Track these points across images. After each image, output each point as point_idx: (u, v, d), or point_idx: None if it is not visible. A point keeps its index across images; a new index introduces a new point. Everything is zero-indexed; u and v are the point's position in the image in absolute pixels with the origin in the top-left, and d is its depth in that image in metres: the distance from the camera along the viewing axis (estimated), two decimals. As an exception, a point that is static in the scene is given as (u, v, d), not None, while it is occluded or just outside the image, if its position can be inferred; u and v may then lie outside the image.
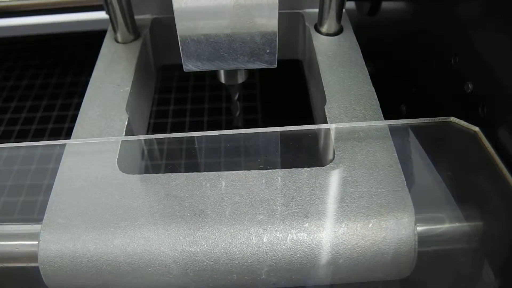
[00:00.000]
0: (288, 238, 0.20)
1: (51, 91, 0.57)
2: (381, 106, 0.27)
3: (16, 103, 0.56)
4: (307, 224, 0.21)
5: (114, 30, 0.34)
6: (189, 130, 0.43)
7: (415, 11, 0.35)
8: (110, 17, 0.34)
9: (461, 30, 0.27)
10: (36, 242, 0.21)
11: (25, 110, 0.55)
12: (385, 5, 0.42)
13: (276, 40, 0.26)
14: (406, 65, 0.37)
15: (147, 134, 0.33)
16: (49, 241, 0.21)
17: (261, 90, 0.46)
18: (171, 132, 0.43)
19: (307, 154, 0.25)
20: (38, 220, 0.22)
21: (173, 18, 0.25)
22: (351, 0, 0.45)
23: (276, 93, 0.44)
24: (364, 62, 0.31)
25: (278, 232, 0.21)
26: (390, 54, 0.41)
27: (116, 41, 0.34)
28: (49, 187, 0.23)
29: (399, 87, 0.38)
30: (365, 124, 0.25)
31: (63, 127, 0.54)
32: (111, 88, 0.29)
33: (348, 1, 0.42)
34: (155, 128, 0.41)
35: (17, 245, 0.22)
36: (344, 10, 0.34)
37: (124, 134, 0.26)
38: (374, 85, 0.29)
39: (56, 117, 0.54)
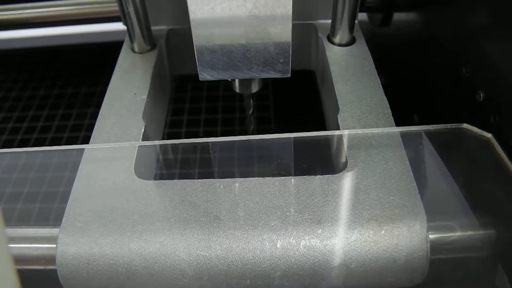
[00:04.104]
0: (301, 244, 0.21)
1: (66, 101, 0.59)
2: (393, 116, 0.28)
3: (34, 112, 0.57)
4: (320, 230, 0.21)
5: (131, 41, 0.35)
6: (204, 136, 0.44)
7: (426, 21, 0.35)
8: (128, 28, 0.34)
9: (471, 39, 0.27)
10: (54, 245, 0.22)
11: (42, 119, 0.56)
12: (396, 16, 0.42)
13: (290, 50, 0.26)
14: (418, 75, 0.37)
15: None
16: (67, 244, 0.21)
17: (275, 100, 0.46)
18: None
19: (320, 161, 0.25)
20: (56, 223, 0.23)
21: (188, 29, 0.25)
22: (363, 12, 0.46)
23: (290, 103, 0.44)
24: (376, 72, 0.31)
25: (291, 238, 0.21)
26: (403, 64, 0.41)
27: (133, 51, 0.35)
28: (66, 192, 0.24)
29: (411, 97, 0.39)
30: (377, 130, 0.25)
31: (78, 136, 0.55)
32: (128, 97, 0.30)
33: (360, 12, 0.42)
34: (169, 137, 0.42)
35: (36, 248, 0.23)
36: (356, 21, 0.35)
37: (141, 137, 0.26)
38: (386, 95, 0.30)
39: (72, 126, 0.56)
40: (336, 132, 0.26)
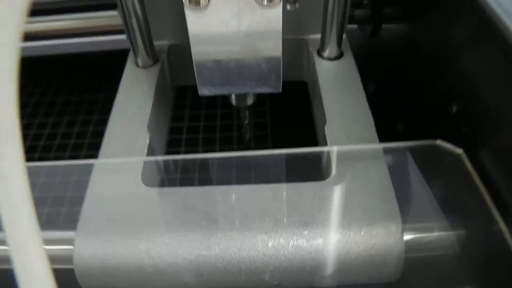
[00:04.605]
0: (290, 244, 0.23)
1: (72, 108, 0.61)
2: (380, 123, 0.30)
3: (40, 119, 0.60)
4: (306, 232, 0.24)
5: (135, 55, 0.37)
6: (203, 146, 0.46)
7: (409, 34, 0.38)
8: (131, 43, 0.37)
9: (447, 55, 0.30)
10: (71, 247, 0.24)
11: (48, 126, 0.59)
12: (385, 27, 0.45)
13: (280, 67, 0.29)
14: (403, 84, 0.40)
15: (165, 149, 0.36)
16: (83, 245, 0.24)
17: (271, 108, 0.49)
18: (185, 147, 0.46)
19: (308, 169, 0.28)
20: (71, 227, 0.25)
21: (187, 44, 0.28)
22: (354, 24, 0.48)
23: (285, 110, 0.47)
24: (361, 85, 0.34)
25: (281, 239, 0.24)
26: (391, 72, 0.44)
27: (137, 65, 0.37)
28: (76, 199, 0.26)
29: (397, 106, 0.41)
30: (360, 147, 0.28)
31: (84, 142, 0.57)
32: (133, 110, 0.32)
33: (351, 24, 0.45)
34: (171, 144, 0.44)
35: (54, 250, 0.25)
36: (344, 35, 0.38)
37: (146, 151, 0.29)
38: (374, 102, 0.32)
39: (77, 133, 0.58)
40: (324, 148, 0.28)
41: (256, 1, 0.23)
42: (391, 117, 0.41)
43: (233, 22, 0.26)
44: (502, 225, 0.22)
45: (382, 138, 0.30)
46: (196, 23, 0.27)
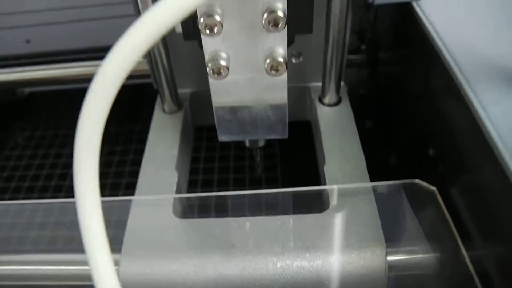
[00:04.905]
0: (295, 265, 0.29)
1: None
2: (376, 157, 0.36)
3: (57, 150, 0.66)
4: (307, 254, 0.29)
5: (162, 102, 0.43)
6: (217, 186, 0.52)
7: (400, 79, 0.44)
8: (159, 92, 0.43)
9: (426, 102, 0.36)
10: (117, 267, 0.30)
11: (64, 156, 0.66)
12: (380, 70, 0.51)
13: (286, 119, 0.35)
14: (396, 124, 0.46)
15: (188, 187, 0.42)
16: (127, 266, 0.30)
17: (281, 146, 0.55)
18: (202, 187, 0.52)
19: (309, 203, 0.34)
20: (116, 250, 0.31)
21: (207, 92, 0.33)
22: (353, 67, 0.54)
23: (293, 146, 0.53)
24: (356, 129, 0.39)
25: (287, 260, 0.29)
26: (385, 112, 0.50)
27: (164, 111, 0.43)
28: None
29: (390, 142, 0.47)
30: (353, 185, 0.34)
31: (109, 171, 0.63)
32: (162, 151, 0.39)
33: (350, 67, 0.51)
34: (191, 182, 0.50)
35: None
36: (342, 83, 0.43)
37: (175, 188, 0.35)
38: (373, 139, 0.38)
39: (103, 162, 0.64)
40: (323, 187, 0.34)
41: (266, 71, 0.30)
42: (386, 152, 0.47)
43: (248, 85, 0.32)
44: (463, 251, 0.28)
45: (376, 170, 0.36)
46: (218, 86, 0.33)
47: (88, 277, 0.20)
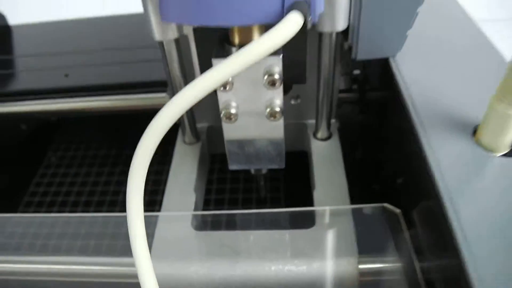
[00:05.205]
0: (285, 268, 0.37)
1: (125, 159, 0.77)
2: (361, 183, 0.44)
3: (86, 169, 0.75)
4: (296, 261, 0.38)
5: (183, 134, 0.52)
6: (228, 204, 0.61)
7: (382, 121, 0.52)
8: (180, 125, 0.52)
9: (396, 143, 0.44)
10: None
11: (104, 174, 0.74)
12: (369, 107, 0.59)
13: (283, 153, 0.43)
14: (380, 155, 0.54)
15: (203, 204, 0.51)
16: (155, 267, 0.38)
17: (285, 171, 0.64)
18: (215, 205, 0.61)
19: (300, 222, 0.42)
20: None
21: (220, 126, 0.41)
22: (347, 104, 0.63)
23: (295, 172, 0.61)
24: (342, 161, 0.48)
25: (280, 265, 0.38)
26: (372, 145, 0.58)
27: (184, 142, 0.52)
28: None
29: (375, 171, 0.55)
30: (335, 207, 0.42)
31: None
32: (184, 176, 0.47)
33: (345, 103, 0.60)
34: (206, 202, 0.59)
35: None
36: (333, 120, 0.52)
37: (193, 206, 0.44)
38: (361, 168, 0.46)
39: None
40: (311, 208, 0.42)
41: (266, 117, 0.38)
42: (370, 180, 0.55)
43: (252, 127, 0.40)
44: (416, 263, 0.36)
45: (360, 195, 0.44)
46: (229, 127, 0.41)
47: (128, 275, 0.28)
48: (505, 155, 0.34)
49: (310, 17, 0.29)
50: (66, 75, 0.68)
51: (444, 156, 0.34)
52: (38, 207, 0.72)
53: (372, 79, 0.57)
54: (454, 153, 0.35)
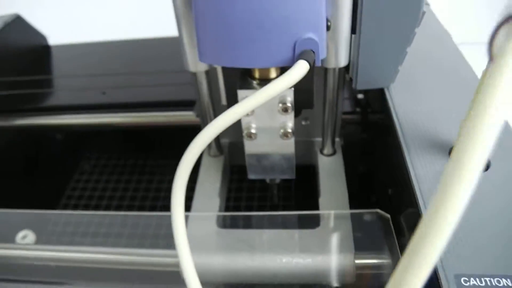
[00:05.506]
0: (294, 261, 0.45)
1: (148, 169, 0.86)
2: (362, 194, 0.52)
3: (117, 176, 0.84)
4: (303, 255, 0.46)
5: (208, 148, 0.61)
6: (245, 211, 0.69)
7: (378, 139, 0.61)
8: (206, 140, 0.60)
9: (387, 159, 0.52)
10: (180, 258, 0.47)
11: (134, 182, 0.83)
12: (370, 128, 0.67)
13: (294, 165, 0.51)
14: (377, 170, 0.62)
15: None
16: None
17: (296, 182, 0.72)
18: (233, 210, 0.69)
19: (307, 223, 0.50)
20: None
21: (241, 142, 0.50)
22: (350, 124, 0.71)
23: (305, 183, 0.69)
24: (344, 174, 0.56)
25: (289, 257, 0.46)
26: (372, 160, 0.67)
27: (209, 155, 0.61)
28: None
29: (372, 182, 0.63)
30: (337, 211, 0.50)
31: (159, 196, 0.81)
32: (209, 185, 0.56)
33: (348, 124, 0.68)
34: (227, 206, 0.67)
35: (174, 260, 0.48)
36: (337, 139, 0.60)
37: (218, 209, 0.52)
38: (362, 180, 0.54)
39: (154, 189, 0.82)
40: (316, 212, 0.51)
41: (280, 137, 0.47)
42: (370, 191, 0.64)
43: (268, 144, 0.49)
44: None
45: (360, 203, 0.52)
46: (249, 143, 0.50)
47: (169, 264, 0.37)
48: (476, 171, 0.42)
49: (314, 62, 0.37)
50: (104, 93, 0.77)
51: (424, 171, 0.42)
52: (74, 209, 0.81)
53: (373, 103, 0.66)
54: (432, 169, 0.43)
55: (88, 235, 0.54)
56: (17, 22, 0.87)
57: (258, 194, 0.72)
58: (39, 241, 0.54)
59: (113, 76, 0.79)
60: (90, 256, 0.50)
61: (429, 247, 0.17)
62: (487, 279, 0.33)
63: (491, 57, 0.21)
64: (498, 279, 0.33)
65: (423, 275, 0.18)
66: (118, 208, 0.81)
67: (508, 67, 0.17)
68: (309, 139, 0.61)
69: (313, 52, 0.36)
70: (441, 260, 0.34)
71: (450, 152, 0.44)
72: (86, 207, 0.82)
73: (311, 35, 0.36)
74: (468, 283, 0.33)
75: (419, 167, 0.43)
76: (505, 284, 0.33)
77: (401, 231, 0.45)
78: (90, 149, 0.93)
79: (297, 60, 0.36)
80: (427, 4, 0.79)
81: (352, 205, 0.52)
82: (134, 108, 0.74)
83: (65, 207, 0.82)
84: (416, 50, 0.50)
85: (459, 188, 0.17)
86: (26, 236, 0.55)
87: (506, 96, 0.17)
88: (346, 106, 0.70)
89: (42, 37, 0.95)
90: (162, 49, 0.87)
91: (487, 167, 0.42)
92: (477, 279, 0.33)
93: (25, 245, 0.54)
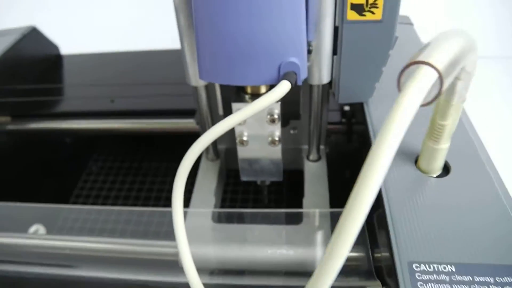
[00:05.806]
0: (278, 252, 0.52)
1: (152, 171, 0.92)
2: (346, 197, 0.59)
3: (122, 178, 0.90)
4: (286, 247, 0.52)
5: (206, 153, 0.67)
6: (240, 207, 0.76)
7: (362, 147, 0.67)
8: (205, 146, 0.67)
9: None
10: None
11: (138, 182, 0.90)
12: (355, 137, 0.74)
13: (281, 169, 0.58)
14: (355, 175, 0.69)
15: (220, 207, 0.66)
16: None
17: (286, 185, 0.79)
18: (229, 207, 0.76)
19: (292, 219, 0.57)
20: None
21: (235, 148, 0.57)
22: (336, 134, 0.78)
23: (295, 186, 0.75)
24: (326, 178, 0.63)
25: (276, 249, 0.52)
26: (357, 167, 0.73)
27: (207, 159, 0.67)
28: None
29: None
30: (318, 210, 0.57)
31: (161, 196, 0.88)
32: (207, 185, 0.62)
33: (334, 134, 0.75)
34: (222, 203, 0.74)
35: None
36: (322, 146, 0.67)
37: (214, 207, 0.59)
38: (348, 185, 0.60)
39: (156, 189, 0.89)
40: (300, 210, 0.57)
41: (268, 144, 0.54)
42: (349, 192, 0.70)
43: (258, 150, 0.56)
44: (370, 253, 0.50)
45: (342, 203, 0.58)
46: (242, 149, 0.56)
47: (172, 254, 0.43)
48: (438, 176, 0.49)
49: (296, 81, 0.44)
50: (112, 101, 0.84)
51: (393, 177, 0.49)
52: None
53: (357, 115, 0.72)
54: (400, 174, 0.49)
55: (95, 230, 0.60)
56: (33, 33, 0.94)
57: (252, 196, 0.79)
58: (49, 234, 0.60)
59: (121, 86, 0.86)
60: (97, 246, 0.56)
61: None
62: (434, 265, 0.39)
63: (399, 89, 0.31)
64: (444, 265, 0.39)
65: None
66: (123, 206, 0.87)
67: (407, 97, 0.29)
68: (297, 146, 0.68)
69: (295, 73, 0.43)
70: (397, 249, 0.41)
71: (416, 160, 0.50)
72: (93, 205, 0.88)
73: (293, 59, 0.43)
74: (419, 268, 0.39)
75: (389, 173, 0.49)
76: (450, 270, 0.39)
77: (373, 229, 0.52)
78: (98, 152, 1.00)
79: (281, 80, 0.42)
80: (411, 24, 0.87)
81: (336, 206, 0.58)
82: (140, 115, 0.78)
83: (74, 205, 0.88)
84: (392, 69, 0.56)
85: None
86: (37, 230, 0.61)
87: (404, 114, 0.29)
88: (334, 117, 0.76)
89: (55, 47, 1.02)
90: (167, 61, 0.94)
91: (447, 172, 0.49)
92: (426, 265, 0.39)
93: (37, 235, 0.60)
